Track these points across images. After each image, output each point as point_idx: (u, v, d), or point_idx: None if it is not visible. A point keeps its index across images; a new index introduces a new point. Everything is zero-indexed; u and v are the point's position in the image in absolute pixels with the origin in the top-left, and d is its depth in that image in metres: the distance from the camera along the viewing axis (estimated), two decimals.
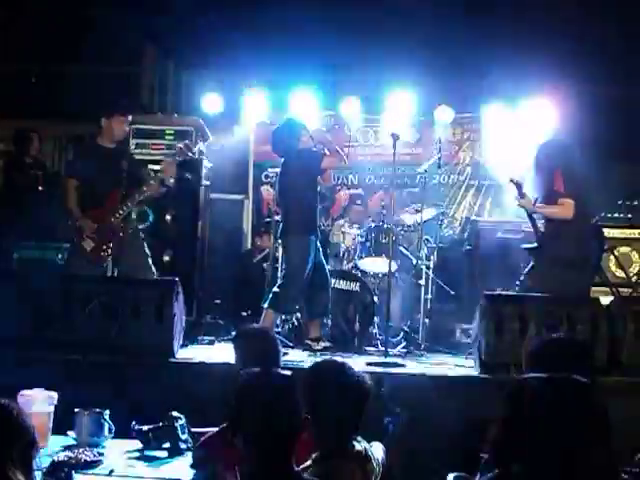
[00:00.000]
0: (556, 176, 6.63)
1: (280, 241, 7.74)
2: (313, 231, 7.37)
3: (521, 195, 6.73)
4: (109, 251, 6.94)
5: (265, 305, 7.33)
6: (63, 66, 11.17)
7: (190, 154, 7.15)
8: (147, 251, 7.15)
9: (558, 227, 6.67)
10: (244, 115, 10.49)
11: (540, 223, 6.87)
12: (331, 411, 3.37)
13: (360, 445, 3.51)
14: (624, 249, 8.46)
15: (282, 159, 7.65)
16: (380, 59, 9.57)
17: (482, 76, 9.73)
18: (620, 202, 8.81)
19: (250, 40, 9.57)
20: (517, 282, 7.16)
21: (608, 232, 8.39)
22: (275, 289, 7.34)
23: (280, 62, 9.70)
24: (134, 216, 7.18)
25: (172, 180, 7.11)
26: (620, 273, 8.31)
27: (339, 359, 3.82)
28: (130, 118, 7.26)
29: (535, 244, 6.81)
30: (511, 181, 6.78)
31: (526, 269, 6.99)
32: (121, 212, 6.94)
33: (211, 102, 10.38)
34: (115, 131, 7.06)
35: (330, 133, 8.30)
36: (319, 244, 7.54)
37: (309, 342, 7.27)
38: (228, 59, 9.89)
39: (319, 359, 5.14)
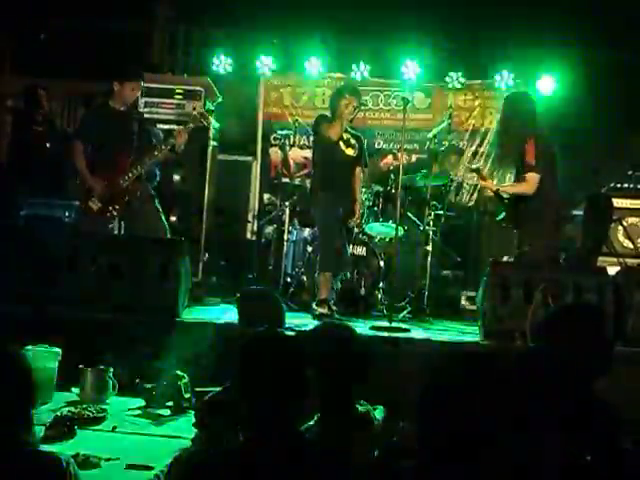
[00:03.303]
0: (529, 146, 6.68)
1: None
2: (334, 190, 7.39)
3: (482, 178, 6.91)
4: (115, 212, 6.95)
5: (317, 273, 7.42)
6: (73, 24, 11.09)
7: (204, 122, 7.14)
8: (158, 207, 7.15)
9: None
10: (253, 76, 10.41)
11: None
12: (333, 373, 3.38)
13: (363, 408, 3.53)
14: (633, 219, 8.42)
15: None
16: (392, 23, 9.49)
17: (495, 42, 9.63)
18: (630, 172, 8.75)
19: (261, 1, 9.50)
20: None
21: (617, 202, 8.38)
22: (319, 252, 7.41)
23: (291, 23, 9.61)
24: (144, 174, 7.15)
25: (182, 147, 7.10)
26: (628, 244, 8.29)
27: (341, 323, 3.83)
28: (142, 84, 7.27)
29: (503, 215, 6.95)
30: (471, 170, 6.92)
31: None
32: (130, 175, 6.94)
33: (221, 62, 10.31)
34: (127, 97, 7.06)
35: None
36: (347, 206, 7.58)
37: (315, 307, 7.24)
38: (238, 19, 9.82)
39: (319, 323, 5.13)
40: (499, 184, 6.90)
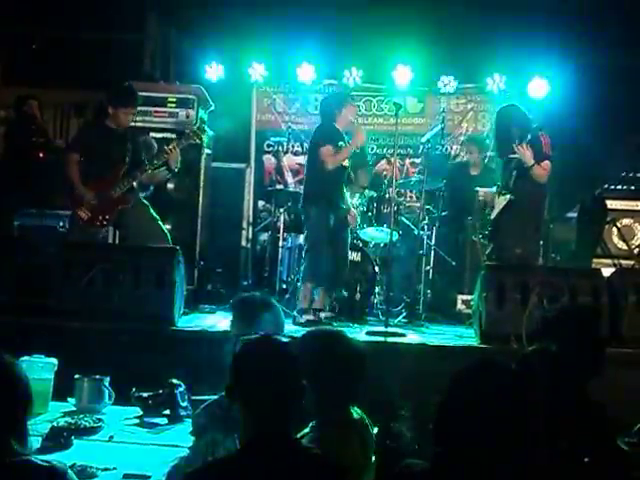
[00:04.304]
0: (543, 137, 6.84)
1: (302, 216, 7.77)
2: (328, 203, 7.38)
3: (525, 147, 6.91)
4: (105, 222, 6.95)
5: (299, 282, 7.46)
6: (65, 33, 11.09)
7: (197, 139, 7.14)
8: (154, 215, 7.15)
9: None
10: (246, 83, 10.42)
11: None
12: (329, 378, 3.37)
13: (357, 414, 3.53)
14: (627, 221, 8.43)
15: None
16: (383, 27, 9.49)
17: (487, 46, 9.64)
18: (624, 174, 8.76)
19: (252, 8, 9.50)
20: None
21: (611, 204, 8.40)
22: (305, 263, 7.39)
23: (282, 30, 9.61)
24: (135, 185, 7.15)
25: (178, 165, 7.10)
26: (622, 245, 8.30)
27: (332, 328, 3.82)
28: (136, 110, 7.29)
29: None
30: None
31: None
32: (122, 187, 6.94)
33: (213, 70, 10.30)
34: (120, 120, 7.07)
35: None
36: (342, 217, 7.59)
37: (296, 314, 7.23)
38: (230, 27, 9.81)
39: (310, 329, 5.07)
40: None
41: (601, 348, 3.49)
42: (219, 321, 6.93)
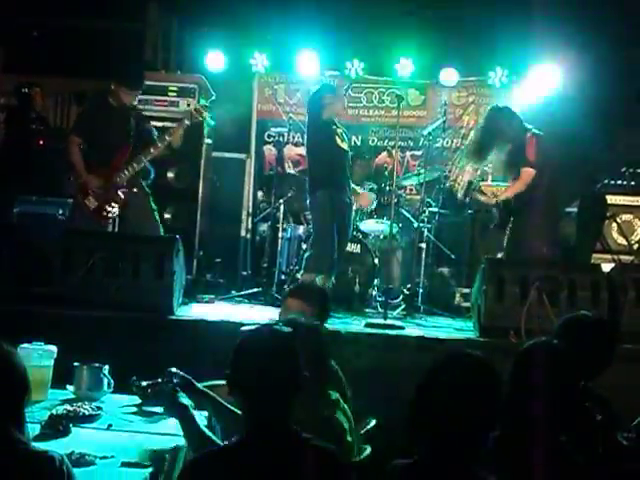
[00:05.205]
0: (529, 142, 6.84)
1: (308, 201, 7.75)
2: (335, 186, 7.38)
3: (481, 192, 7.08)
4: (111, 214, 6.92)
5: (301, 272, 7.46)
6: (66, 21, 11.07)
7: (200, 117, 7.10)
8: (153, 206, 7.14)
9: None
10: (247, 73, 10.39)
11: None
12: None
13: (335, 394, 3.57)
14: (627, 216, 8.44)
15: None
16: (386, 19, 9.48)
17: (488, 39, 9.63)
18: (624, 169, 8.76)
19: None
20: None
21: (611, 199, 8.41)
22: (307, 253, 7.38)
23: (284, 21, 9.60)
24: (139, 173, 7.12)
25: (179, 144, 7.07)
26: (622, 240, 8.31)
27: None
28: (138, 93, 7.23)
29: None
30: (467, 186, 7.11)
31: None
32: (126, 173, 6.92)
33: (214, 60, 10.27)
34: (122, 98, 7.02)
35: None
36: (348, 200, 7.59)
37: None
38: (232, 16, 9.79)
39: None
40: (498, 189, 6.98)
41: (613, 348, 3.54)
42: (218, 311, 6.93)
